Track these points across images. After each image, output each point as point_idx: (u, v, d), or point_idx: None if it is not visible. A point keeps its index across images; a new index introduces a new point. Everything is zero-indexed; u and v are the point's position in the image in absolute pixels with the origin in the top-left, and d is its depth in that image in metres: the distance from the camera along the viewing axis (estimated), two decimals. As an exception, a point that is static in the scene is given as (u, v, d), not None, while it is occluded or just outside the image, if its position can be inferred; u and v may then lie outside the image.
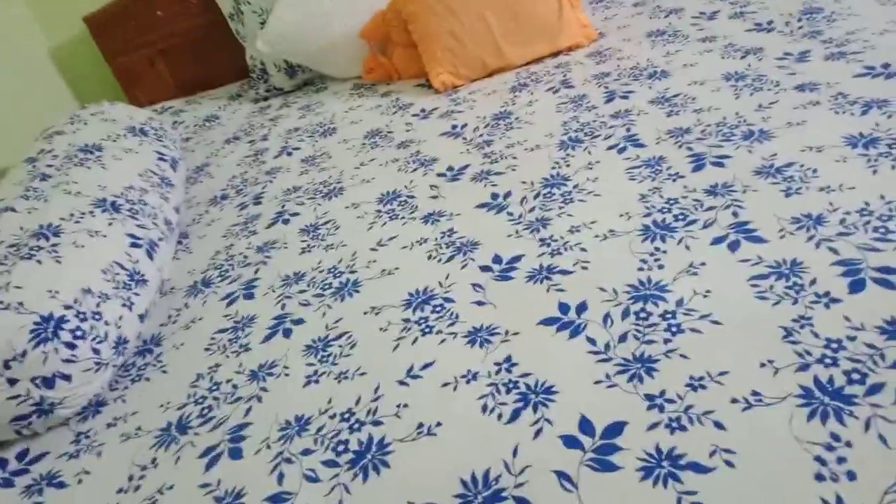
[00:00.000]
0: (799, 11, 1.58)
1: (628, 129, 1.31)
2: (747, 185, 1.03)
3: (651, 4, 1.90)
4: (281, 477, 0.81)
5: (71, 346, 0.94)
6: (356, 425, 0.84)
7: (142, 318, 1.12)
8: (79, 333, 0.95)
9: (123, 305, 1.06)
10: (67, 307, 0.96)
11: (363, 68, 2.00)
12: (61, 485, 0.90)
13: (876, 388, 0.67)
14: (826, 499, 0.59)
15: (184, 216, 1.53)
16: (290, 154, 1.71)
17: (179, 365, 1.06)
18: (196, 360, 1.06)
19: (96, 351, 0.97)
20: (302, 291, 1.14)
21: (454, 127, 1.57)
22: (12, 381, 0.91)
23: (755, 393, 0.70)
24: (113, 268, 1.08)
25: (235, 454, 0.86)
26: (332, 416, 0.87)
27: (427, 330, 0.96)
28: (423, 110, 1.71)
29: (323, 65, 2.05)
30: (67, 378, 0.94)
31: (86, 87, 2.26)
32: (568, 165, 1.25)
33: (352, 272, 1.15)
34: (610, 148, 1.27)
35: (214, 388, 0.99)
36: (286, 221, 1.38)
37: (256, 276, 1.22)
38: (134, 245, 1.16)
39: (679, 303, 0.85)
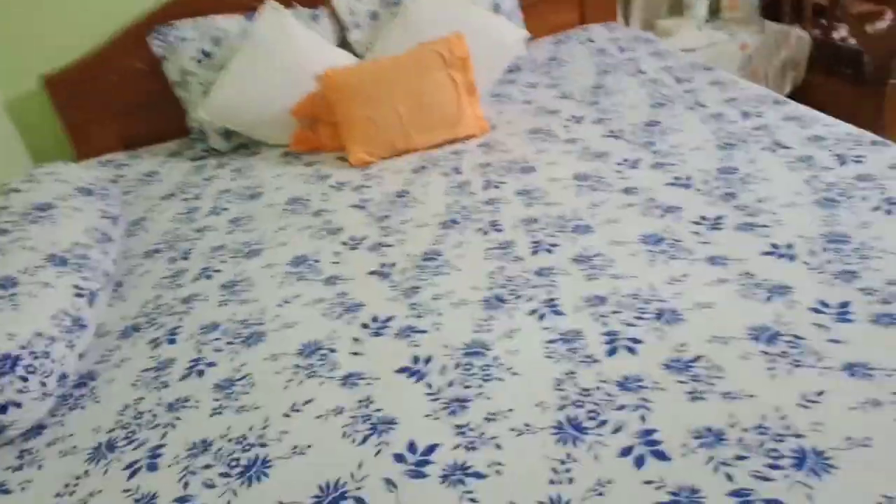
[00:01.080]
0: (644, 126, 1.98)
1: (494, 215, 1.65)
2: (564, 269, 1.38)
3: (535, 105, 2.27)
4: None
5: (24, 379, 1.17)
6: None
7: (81, 356, 1.36)
8: (30, 369, 1.18)
9: (66, 346, 1.30)
10: (22, 347, 1.19)
11: (292, 139, 2.30)
12: (7, 491, 1.13)
13: (602, 423, 1.00)
14: (551, 495, 0.91)
15: (120, 266, 1.76)
16: (218, 214, 1.96)
17: (110, 396, 1.30)
18: (124, 393, 1.30)
19: (43, 384, 1.21)
20: (216, 340, 1.40)
21: (362, 200, 1.87)
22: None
23: (527, 424, 1.02)
24: (60, 315, 1.32)
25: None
26: None
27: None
28: (338, 182, 2.01)
29: (257, 133, 2.34)
30: (19, 405, 1.17)
31: (36, 139, 2.47)
32: (442, 243, 1.57)
33: (259, 323, 1.42)
34: (478, 230, 1.60)
35: (138, 416, 1.23)
36: (209, 277, 1.64)
37: (179, 325, 1.47)
38: (78, 295, 1.40)
39: (495, 358, 1.17)
